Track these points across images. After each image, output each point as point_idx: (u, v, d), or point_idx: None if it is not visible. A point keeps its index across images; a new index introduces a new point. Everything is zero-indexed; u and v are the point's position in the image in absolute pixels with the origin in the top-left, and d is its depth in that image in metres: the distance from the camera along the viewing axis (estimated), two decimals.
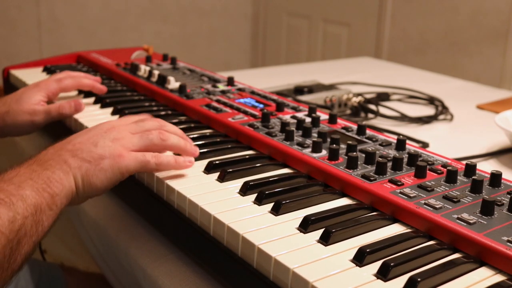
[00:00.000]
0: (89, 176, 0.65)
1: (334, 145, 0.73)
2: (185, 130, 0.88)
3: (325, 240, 0.55)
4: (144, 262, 0.70)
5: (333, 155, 0.71)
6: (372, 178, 0.65)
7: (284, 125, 0.82)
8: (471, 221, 0.56)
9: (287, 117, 0.89)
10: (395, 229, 0.59)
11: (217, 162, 0.73)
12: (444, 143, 1.10)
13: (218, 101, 0.97)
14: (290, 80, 1.37)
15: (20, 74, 1.27)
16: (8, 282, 0.55)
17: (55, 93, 0.97)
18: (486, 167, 0.94)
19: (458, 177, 0.67)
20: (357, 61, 2.10)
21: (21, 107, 0.90)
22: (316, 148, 0.74)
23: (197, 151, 0.75)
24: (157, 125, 0.74)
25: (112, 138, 0.68)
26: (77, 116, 0.94)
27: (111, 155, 0.66)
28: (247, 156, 0.77)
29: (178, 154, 0.73)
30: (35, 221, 0.58)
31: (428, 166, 0.69)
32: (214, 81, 1.11)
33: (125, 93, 1.09)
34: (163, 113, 0.96)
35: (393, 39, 3.02)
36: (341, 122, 0.88)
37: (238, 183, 0.68)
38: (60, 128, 0.98)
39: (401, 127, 1.18)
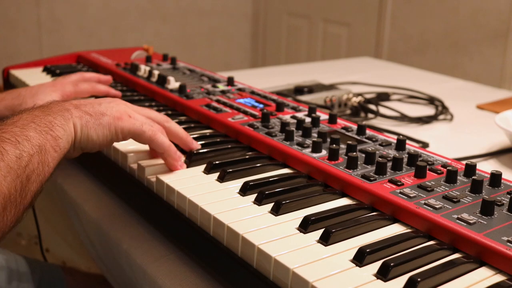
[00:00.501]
0: (88, 127, 0.67)
1: (334, 145, 0.73)
2: (185, 130, 0.88)
3: (325, 240, 0.55)
4: (144, 262, 0.70)
5: (333, 155, 0.71)
6: (372, 178, 0.65)
7: (284, 125, 0.82)
8: (471, 221, 0.56)
9: (287, 117, 0.89)
10: (395, 229, 0.59)
11: (217, 162, 0.73)
12: (444, 143, 1.10)
13: (218, 101, 0.97)
14: (290, 80, 1.37)
15: (20, 74, 1.27)
16: (20, 219, 0.58)
17: (70, 96, 0.97)
18: (486, 167, 0.94)
19: (458, 177, 0.67)
20: (357, 61, 2.10)
21: (35, 102, 0.90)
22: (316, 148, 0.74)
23: (183, 166, 0.74)
24: (164, 119, 0.76)
25: (117, 108, 0.71)
26: None
27: (111, 114, 0.69)
28: (247, 156, 0.77)
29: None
30: (41, 160, 0.60)
31: (428, 166, 0.69)
32: (214, 81, 1.11)
33: (125, 93, 1.09)
34: (163, 113, 0.96)
35: (393, 39, 3.02)
36: (341, 122, 0.88)
37: (238, 183, 0.68)
38: None
39: (401, 127, 1.18)
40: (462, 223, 0.56)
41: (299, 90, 1.25)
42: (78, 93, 0.98)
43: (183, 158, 0.75)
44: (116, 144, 0.78)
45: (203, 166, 0.73)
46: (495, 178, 0.65)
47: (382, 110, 1.26)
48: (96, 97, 1.06)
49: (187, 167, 0.74)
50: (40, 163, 0.59)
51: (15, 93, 0.93)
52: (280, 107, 0.92)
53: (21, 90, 0.94)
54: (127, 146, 0.78)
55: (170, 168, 0.72)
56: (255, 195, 0.65)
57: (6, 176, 0.54)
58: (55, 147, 0.62)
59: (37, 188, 0.60)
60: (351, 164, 0.69)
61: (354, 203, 0.65)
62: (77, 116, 0.67)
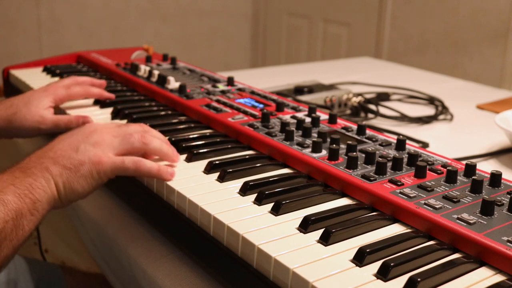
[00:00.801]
0: (70, 182, 0.66)
1: (334, 145, 0.73)
2: (185, 130, 0.88)
3: (325, 240, 0.55)
4: (144, 262, 0.70)
5: (333, 155, 0.71)
6: (372, 178, 0.65)
7: (284, 125, 0.82)
8: (471, 221, 0.56)
9: (287, 117, 0.89)
10: (395, 229, 0.59)
11: (217, 162, 0.73)
12: (444, 143, 1.10)
13: (218, 101, 0.97)
14: (290, 80, 1.37)
15: (20, 74, 1.27)
16: None
17: (63, 100, 0.97)
18: (486, 167, 0.94)
19: (458, 177, 0.67)
20: (357, 61, 2.10)
21: (29, 111, 0.90)
22: (316, 148, 0.74)
23: (178, 157, 0.75)
24: (140, 129, 0.74)
25: (93, 142, 0.69)
26: None
27: (90, 161, 0.67)
28: (247, 156, 0.77)
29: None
30: (16, 225, 0.59)
31: (428, 166, 0.69)
32: (214, 81, 1.11)
33: (125, 93, 1.09)
34: (163, 113, 0.96)
35: (393, 39, 3.02)
36: (341, 122, 0.88)
37: (238, 183, 0.68)
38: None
39: (401, 127, 1.18)
40: (462, 223, 0.56)
41: (299, 90, 1.25)
42: (70, 96, 0.98)
43: (177, 156, 0.75)
44: None
45: (203, 166, 0.73)
46: (495, 178, 0.65)
47: (382, 110, 1.26)
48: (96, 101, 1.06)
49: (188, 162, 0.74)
50: (14, 229, 0.58)
51: (7, 103, 0.91)
52: (280, 107, 0.92)
53: (13, 100, 0.92)
54: None
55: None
56: (255, 195, 0.65)
57: None
58: (33, 211, 0.61)
59: (8, 254, 0.59)
60: (351, 164, 0.69)
61: (354, 203, 0.65)
62: (57, 174, 0.65)
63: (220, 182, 0.69)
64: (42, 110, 0.91)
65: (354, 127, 0.85)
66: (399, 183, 0.64)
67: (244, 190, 0.66)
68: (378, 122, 1.21)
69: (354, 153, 0.70)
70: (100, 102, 1.02)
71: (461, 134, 1.17)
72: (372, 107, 1.26)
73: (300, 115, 0.91)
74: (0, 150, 1.42)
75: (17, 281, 1.00)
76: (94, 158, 0.68)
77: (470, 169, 0.68)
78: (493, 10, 2.55)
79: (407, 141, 0.79)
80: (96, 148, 0.69)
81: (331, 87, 1.30)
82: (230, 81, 1.10)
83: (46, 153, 0.68)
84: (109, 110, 0.98)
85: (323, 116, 0.90)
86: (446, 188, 0.64)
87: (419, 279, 0.48)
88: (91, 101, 1.04)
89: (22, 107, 0.90)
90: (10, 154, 1.37)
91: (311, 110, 0.91)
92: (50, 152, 0.68)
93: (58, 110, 0.98)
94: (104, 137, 0.70)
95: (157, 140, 0.73)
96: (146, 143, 0.72)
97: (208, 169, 0.72)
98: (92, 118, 0.94)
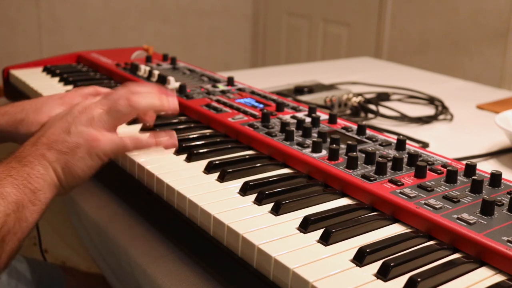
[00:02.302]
0: (69, 167, 0.64)
1: (334, 145, 0.73)
2: (185, 130, 0.88)
3: (325, 240, 0.55)
4: (144, 262, 0.70)
5: (333, 155, 0.71)
6: (372, 178, 0.65)
7: (284, 125, 0.82)
8: (471, 221, 0.56)
9: (287, 117, 0.89)
10: (395, 229, 0.59)
11: (217, 162, 0.73)
12: (444, 143, 1.10)
13: (218, 101, 0.97)
14: (290, 80, 1.37)
15: (20, 74, 1.27)
16: None
17: None
18: (486, 167, 0.94)
19: (458, 177, 0.67)
20: (357, 61, 2.10)
21: (38, 118, 0.82)
22: (316, 148, 0.74)
23: (176, 104, 0.72)
24: (125, 92, 0.70)
25: (85, 122, 0.66)
26: None
27: (86, 142, 0.65)
28: (247, 156, 0.77)
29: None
30: (18, 218, 0.57)
31: (428, 166, 0.69)
32: (214, 81, 1.11)
33: None
34: (163, 113, 0.96)
35: (393, 39, 3.02)
36: (341, 122, 0.88)
37: (238, 183, 0.68)
38: None
39: (401, 127, 1.18)
40: (462, 223, 0.56)
41: (299, 90, 1.25)
42: None
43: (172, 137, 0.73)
44: None
45: (203, 166, 0.73)
46: (495, 178, 0.65)
47: (382, 110, 1.26)
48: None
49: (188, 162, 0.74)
50: (17, 221, 0.56)
51: (19, 107, 0.83)
52: (280, 107, 0.92)
53: (25, 104, 0.84)
54: None
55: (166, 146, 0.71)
56: (255, 195, 0.65)
57: None
58: (34, 201, 0.59)
59: (14, 247, 0.57)
60: (351, 164, 0.69)
61: (354, 203, 0.65)
62: (53, 160, 0.63)
63: (220, 182, 0.69)
64: None
65: (354, 127, 0.85)
66: (399, 183, 0.64)
67: (244, 190, 0.66)
68: (378, 122, 1.21)
69: (354, 153, 0.70)
70: None
71: (461, 134, 1.17)
72: (372, 107, 1.26)
73: (300, 115, 0.91)
74: (2, 152, 1.42)
75: (17, 281, 1.00)
76: (90, 137, 0.65)
77: (470, 169, 0.68)
78: (493, 10, 2.55)
79: (407, 141, 0.79)
80: (89, 128, 0.66)
81: (331, 87, 1.30)
82: (230, 81, 1.10)
83: (39, 139, 0.66)
84: None
85: (323, 116, 0.90)
86: (446, 188, 0.64)
87: (419, 279, 0.48)
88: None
89: (31, 113, 0.83)
90: (10, 154, 1.37)
91: (311, 110, 0.91)
92: (43, 137, 0.66)
93: None
94: (93, 113, 0.67)
95: (145, 96, 0.69)
96: (134, 106, 0.68)
97: (208, 169, 0.72)
98: None
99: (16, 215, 0.57)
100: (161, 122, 0.90)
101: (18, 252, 0.59)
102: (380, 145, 0.78)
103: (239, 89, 1.06)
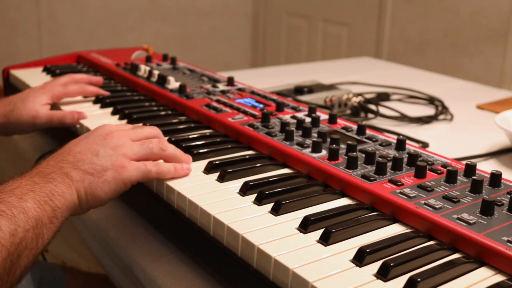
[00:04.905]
0: (92, 188, 0.64)
1: (334, 145, 0.73)
2: (185, 130, 0.88)
3: (325, 240, 0.55)
4: (144, 262, 0.70)
5: (333, 155, 0.71)
6: (372, 178, 0.65)
7: (284, 125, 0.82)
8: (471, 221, 0.56)
9: (287, 117, 0.89)
10: (395, 229, 0.59)
11: (217, 162, 0.73)
12: (444, 143, 1.10)
13: (218, 101, 0.97)
14: (290, 80, 1.37)
15: (20, 74, 1.27)
16: None
17: (60, 97, 0.99)
18: (486, 167, 0.94)
19: (458, 177, 0.67)
20: (357, 61, 2.10)
21: (25, 107, 0.93)
22: (316, 148, 0.74)
23: (191, 159, 0.74)
24: (155, 133, 0.74)
25: (113, 146, 0.67)
26: None
27: (113, 166, 0.65)
28: (247, 156, 0.77)
29: None
30: (36, 234, 0.57)
31: (428, 166, 0.69)
32: (214, 81, 1.11)
33: (125, 93, 1.09)
34: (163, 113, 0.96)
35: (393, 39, 3.02)
36: (341, 122, 0.88)
37: (238, 183, 0.68)
38: (60, 128, 0.97)
39: (401, 127, 1.18)
40: (462, 223, 0.56)
41: (299, 90, 1.25)
42: (67, 93, 0.99)
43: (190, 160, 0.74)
44: None
45: (203, 166, 0.73)
46: (495, 178, 0.65)
47: (382, 110, 1.26)
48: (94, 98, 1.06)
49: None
50: (34, 238, 0.56)
51: (6, 101, 0.95)
52: (280, 107, 0.92)
53: (12, 97, 0.95)
54: None
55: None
56: (255, 195, 0.65)
57: None
58: (52, 219, 0.59)
59: (28, 263, 0.56)
60: (351, 164, 0.69)
61: (354, 203, 0.65)
62: (78, 180, 0.63)
63: (220, 182, 0.69)
64: (38, 106, 0.93)
65: (354, 127, 0.85)
66: (399, 183, 0.64)
67: (244, 190, 0.66)
68: (378, 122, 1.21)
69: (354, 153, 0.70)
70: (101, 102, 1.02)
71: (461, 134, 1.17)
72: (372, 107, 1.26)
73: (300, 115, 0.91)
74: (0, 149, 1.42)
75: None
76: (118, 163, 0.65)
77: (470, 169, 0.68)
78: (493, 10, 2.55)
79: (407, 141, 0.79)
80: (117, 153, 0.67)
81: (331, 87, 1.30)
82: (230, 81, 1.10)
83: (65, 157, 0.65)
84: (109, 110, 0.98)
85: (323, 116, 0.90)
86: (446, 188, 0.64)
87: (419, 279, 0.48)
88: (91, 100, 1.04)
89: (19, 104, 0.93)
90: (10, 154, 1.37)
91: (311, 110, 0.91)
92: (69, 156, 0.65)
93: (56, 108, 0.99)
94: (123, 141, 0.69)
95: (171, 146, 0.73)
96: (163, 149, 0.71)
97: (208, 169, 0.72)
98: (92, 118, 0.94)
99: (34, 231, 0.56)
100: (161, 122, 0.90)
101: (31, 268, 0.58)
102: (380, 145, 0.78)
103: (239, 89, 1.06)
